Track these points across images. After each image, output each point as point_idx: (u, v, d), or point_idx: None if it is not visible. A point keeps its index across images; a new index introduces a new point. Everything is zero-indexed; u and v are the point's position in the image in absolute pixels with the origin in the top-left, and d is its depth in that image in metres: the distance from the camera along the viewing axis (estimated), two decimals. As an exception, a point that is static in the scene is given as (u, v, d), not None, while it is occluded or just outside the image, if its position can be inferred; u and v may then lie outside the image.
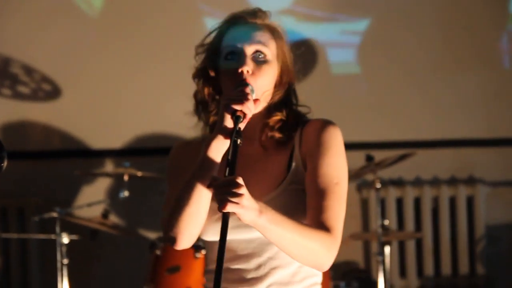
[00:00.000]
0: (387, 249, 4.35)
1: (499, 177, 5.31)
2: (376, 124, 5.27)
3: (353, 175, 4.41)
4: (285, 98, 2.14)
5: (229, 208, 1.81)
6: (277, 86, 2.12)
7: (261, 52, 2.08)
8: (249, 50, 2.07)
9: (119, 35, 5.14)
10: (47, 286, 5.09)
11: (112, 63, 5.15)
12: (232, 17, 2.14)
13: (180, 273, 3.93)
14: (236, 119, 1.92)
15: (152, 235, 4.97)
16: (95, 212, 4.52)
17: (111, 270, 5.22)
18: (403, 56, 5.25)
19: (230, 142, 1.91)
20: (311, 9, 5.22)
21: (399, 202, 5.29)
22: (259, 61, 2.07)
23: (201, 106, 2.15)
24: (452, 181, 5.31)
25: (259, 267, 2.08)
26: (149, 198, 5.06)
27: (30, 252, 5.17)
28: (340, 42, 5.27)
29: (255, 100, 2.00)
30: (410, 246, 5.25)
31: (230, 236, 1.93)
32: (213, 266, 2.07)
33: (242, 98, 1.95)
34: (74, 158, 5.24)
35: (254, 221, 1.88)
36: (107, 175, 4.99)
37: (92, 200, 4.61)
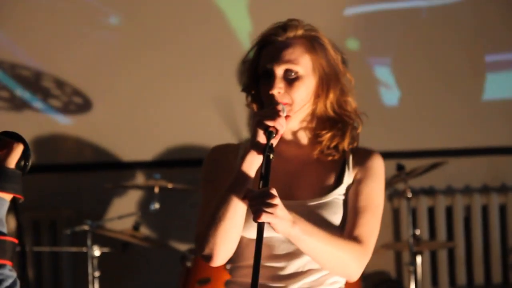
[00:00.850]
0: (418, 259, 4.32)
1: (532, 185, 5.28)
2: (407, 133, 5.24)
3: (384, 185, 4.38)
4: (334, 107, 2.20)
5: (264, 218, 1.89)
6: (318, 96, 2.18)
7: (291, 70, 2.14)
8: (279, 70, 2.14)
9: (149, 47, 5.16)
10: (79, 298, 5.12)
11: (142, 75, 5.17)
12: (262, 37, 2.20)
13: (210, 285, 3.94)
14: (269, 134, 2.00)
15: (183, 247, 4.97)
16: (126, 224, 4.54)
17: (142, 283, 5.23)
18: (435, 63, 5.22)
19: (263, 157, 1.97)
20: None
21: (431, 211, 5.25)
22: (290, 79, 2.14)
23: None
24: (484, 190, 5.27)
25: (297, 267, 2.15)
26: (180, 210, 5.06)
27: (62, 265, 5.18)
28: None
29: (287, 117, 2.08)
30: (442, 255, 5.22)
31: (273, 233, 2.00)
32: (241, 263, 2.18)
33: (274, 115, 2.01)
34: (105, 171, 5.26)
35: (288, 231, 1.97)
36: (138, 187, 5.01)
37: (123, 212, 4.62)
